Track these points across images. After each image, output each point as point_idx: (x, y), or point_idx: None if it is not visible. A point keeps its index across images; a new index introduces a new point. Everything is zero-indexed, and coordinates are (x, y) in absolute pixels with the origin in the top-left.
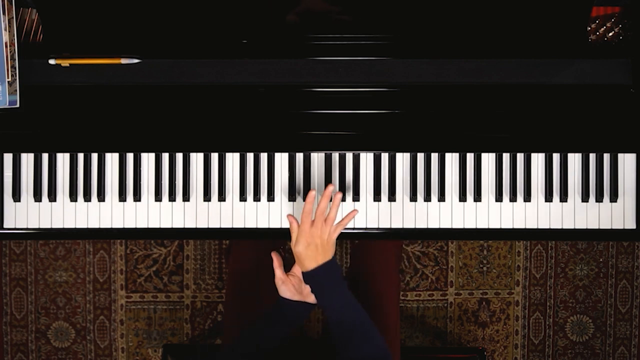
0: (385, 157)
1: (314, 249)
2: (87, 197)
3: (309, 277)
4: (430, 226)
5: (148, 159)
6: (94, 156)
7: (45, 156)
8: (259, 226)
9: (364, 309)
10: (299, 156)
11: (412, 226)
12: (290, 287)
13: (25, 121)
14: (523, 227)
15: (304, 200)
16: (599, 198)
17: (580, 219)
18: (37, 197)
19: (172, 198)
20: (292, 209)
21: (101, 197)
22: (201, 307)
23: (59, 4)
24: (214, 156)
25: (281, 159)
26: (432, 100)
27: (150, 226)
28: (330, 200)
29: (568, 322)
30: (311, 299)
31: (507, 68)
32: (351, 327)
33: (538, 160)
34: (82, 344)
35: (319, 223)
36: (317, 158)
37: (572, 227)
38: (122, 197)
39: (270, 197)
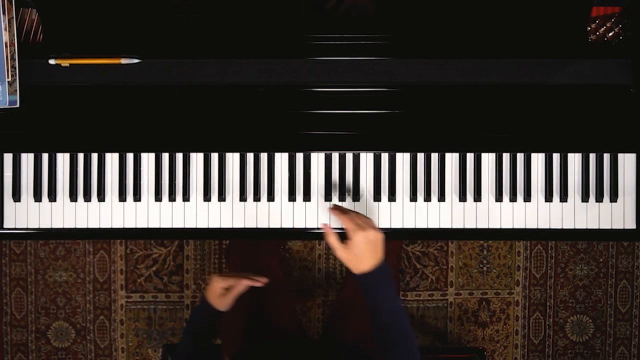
0: (385, 157)
1: (371, 248)
2: (87, 197)
3: (365, 278)
4: (430, 226)
5: (148, 159)
6: (94, 156)
7: (45, 156)
8: (259, 226)
9: (408, 318)
10: (299, 156)
11: (412, 226)
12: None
13: (25, 121)
14: (523, 227)
15: (304, 200)
16: (599, 198)
17: (580, 219)
18: (37, 197)
19: (172, 198)
20: (292, 209)
21: (101, 197)
22: None
23: (59, 4)
24: (214, 156)
25: (281, 159)
26: (432, 100)
27: (150, 226)
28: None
29: (568, 322)
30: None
31: (507, 68)
32: (395, 333)
33: (538, 160)
34: (82, 344)
35: (358, 220)
36: (317, 158)
37: (572, 227)
38: (122, 197)
39: (270, 197)
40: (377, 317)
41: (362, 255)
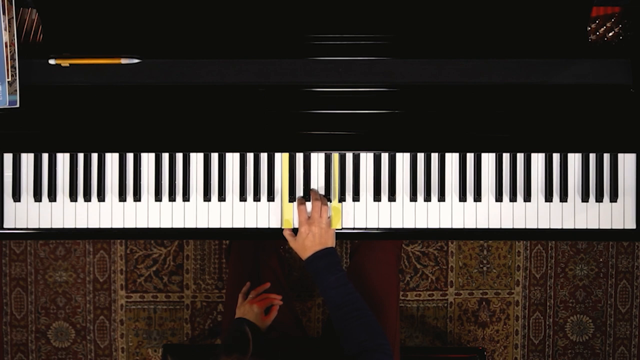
0: (385, 157)
1: (311, 238)
2: (87, 197)
3: (308, 262)
4: (430, 226)
5: (148, 159)
6: (94, 156)
7: (45, 156)
8: (259, 226)
9: (362, 300)
10: (299, 156)
11: (412, 226)
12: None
13: (25, 121)
14: (523, 227)
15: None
16: (599, 198)
17: (580, 219)
18: (37, 197)
19: (172, 198)
20: (293, 209)
21: (101, 197)
22: (201, 307)
23: (59, 4)
24: (214, 156)
25: (281, 159)
26: (432, 100)
27: (150, 226)
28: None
29: (568, 322)
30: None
31: (507, 68)
32: (348, 312)
33: (538, 160)
34: (82, 344)
35: (315, 213)
36: (317, 158)
37: (572, 227)
38: (122, 197)
39: (270, 197)
40: (326, 297)
41: (304, 244)
